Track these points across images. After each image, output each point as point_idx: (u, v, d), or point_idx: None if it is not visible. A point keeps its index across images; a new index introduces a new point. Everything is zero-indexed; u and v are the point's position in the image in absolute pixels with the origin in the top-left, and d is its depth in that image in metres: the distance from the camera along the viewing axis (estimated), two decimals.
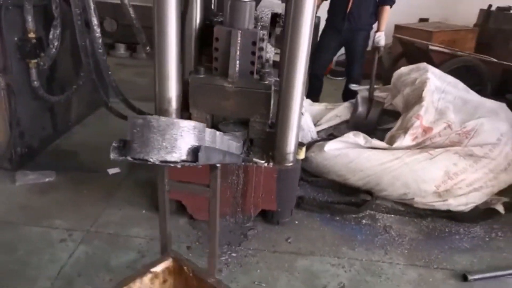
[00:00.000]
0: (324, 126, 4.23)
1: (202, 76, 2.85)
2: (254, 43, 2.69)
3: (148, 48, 3.44)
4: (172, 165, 1.16)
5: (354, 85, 4.60)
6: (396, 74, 4.27)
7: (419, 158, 3.30)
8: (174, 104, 2.70)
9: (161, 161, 1.13)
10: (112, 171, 3.57)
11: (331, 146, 3.42)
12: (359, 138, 3.44)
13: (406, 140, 3.41)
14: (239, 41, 2.67)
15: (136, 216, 3.03)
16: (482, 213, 3.31)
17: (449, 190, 3.26)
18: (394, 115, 4.21)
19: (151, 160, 1.11)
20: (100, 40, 3.06)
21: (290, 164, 2.87)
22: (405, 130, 3.47)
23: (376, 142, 3.40)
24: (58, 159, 3.74)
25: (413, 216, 3.31)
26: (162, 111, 2.70)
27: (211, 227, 1.98)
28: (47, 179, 3.36)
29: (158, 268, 1.74)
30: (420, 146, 3.47)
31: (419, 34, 6.17)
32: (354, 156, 3.38)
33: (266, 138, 2.98)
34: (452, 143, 3.52)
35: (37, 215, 2.95)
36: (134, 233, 2.86)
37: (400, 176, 3.28)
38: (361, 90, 4.34)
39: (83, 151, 3.90)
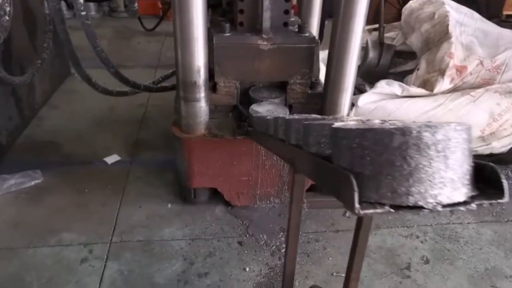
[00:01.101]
0: None
1: (228, 34, 2.26)
2: None
3: (136, 4, 2.73)
4: (462, 208, 0.65)
5: None
6: (407, 10, 3.85)
7: (462, 102, 3.00)
8: (203, 74, 2.12)
9: (447, 205, 0.63)
10: (110, 159, 2.95)
11: (365, 100, 3.01)
12: (394, 86, 3.06)
13: (445, 83, 3.07)
14: None
15: (162, 213, 2.50)
16: None
17: (494, 133, 3.02)
18: (407, 55, 3.86)
19: (429, 206, 0.61)
20: (82, 0, 2.32)
21: None
22: (440, 72, 3.13)
23: (414, 90, 3.04)
24: (36, 154, 3.03)
25: None
26: (189, 85, 2.12)
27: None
28: (33, 182, 2.69)
29: None
30: (456, 89, 3.16)
31: None
32: (392, 108, 3.01)
33: (307, 102, 2.51)
34: (484, 81, 3.24)
35: (38, 232, 2.33)
36: (169, 235, 2.35)
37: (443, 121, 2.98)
38: (371, 32, 3.90)
39: (63, 140, 3.19)
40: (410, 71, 3.72)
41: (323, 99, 2.42)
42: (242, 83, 2.45)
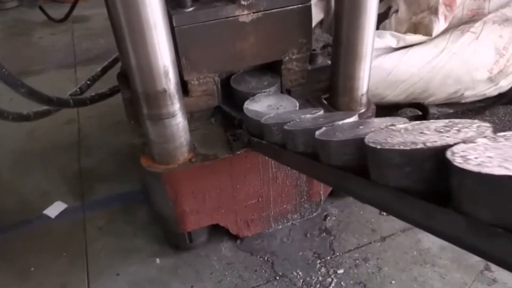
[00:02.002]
0: None
1: (191, 9, 1.53)
2: None
3: None
4: None
5: None
6: None
7: (465, 42, 2.55)
8: (173, 76, 1.40)
9: None
10: (53, 211, 2.14)
11: None
12: (387, 38, 2.53)
13: (441, 23, 2.59)
14: None
15: (152, 275, 1.81)
16: None
17: (502, 71, 2.63)
18: None
19: None
20: None
21: (363, 109, 1.88)
22: (432, 11, 2.62)
23: (410, 38, 2.53)
24: None
25: (470, 114, 2.67)
26: (155, 96, 1.41)
27: None
28: None
29: None
30: (449, 28, 2.70)
31: None
32: (391, 66, 2.49)
33: (308, 81, 1.89)
34: (473, 11, 2.81)
35: None
36: None
37: (451, 72, 2.53)
38: None
39: None
40: (384, 15, 3.21)
41: (333, 74, 1.81)
42: (220, 74, 1.76)
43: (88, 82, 2.52)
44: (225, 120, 1.77)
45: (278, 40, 1.72)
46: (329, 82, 1.92)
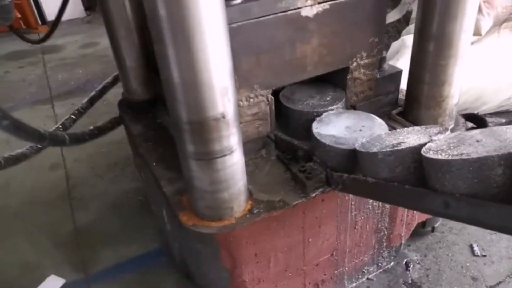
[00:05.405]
0: None
1: (241, 1, 1.10)
2: None
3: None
4: None
5: None
6: None
7: None
8: (232, 97, 0.95)
9: None
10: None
11: None
12: None
13: (487, 20, 2.29)
14: None
15: None
16: None
17: None
18: None
19: None
20: None
21: (453, 124, 1.47)
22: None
23: None
24: None
25: None
26: (209, 126, 0.94)
27: None
28: None
29: None
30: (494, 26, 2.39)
31: None
32: None
33: (376, 93, 1.48)
34: (509, 9, 2.52)
35: None
36: None
37: (505, 74, 2.20)
38: None
39: None
40: (405, 21, 2.89)
41: (413, 81, 1.40)
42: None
43: (73, 116, 2.04)
44: (282, 152, 1.32)
45: (346, 41, 1.31)
46: (399, 95, 1.52)
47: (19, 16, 4.39)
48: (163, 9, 0.82)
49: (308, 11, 1.20)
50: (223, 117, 0.96)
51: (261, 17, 1.14)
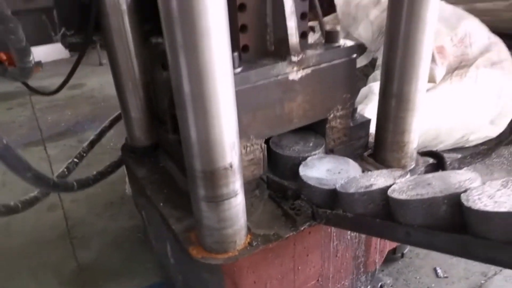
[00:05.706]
0: None
1: (239, 70, 1.36)
2: None
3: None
4: None
5: None
6: (340, 0, 3.36)
7: (466, 87, 2.60)
8: (237, 149, 1.18)
9: None
10: None
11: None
12: None
13: (440, 68, 2.63)
14: None
15: None
16: None
17: (501, 113, 2.69)
18: None
19: None
20: None
21: (413, 165, 1.74)
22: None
23: None
24: None
25: (479, 158, 2.66)
26: (219, 174, 1.17)
27: None
28: None
29: None
30: (446, 74, 2.75)
31: None
32: None
33: (350, 139, 1.74)
34: (458, 58, 2.90)
35: None
36: None
37: (459, 116, 2.54)
38: None
39: None
40: (371, 66, 3.24)
41: (379, 128, 1.67)
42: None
43: (76, 159, 2.22)
44: (273, 191, 1.54)
45: (325, 97, 1.57)
46: (369, 138, 1.79)
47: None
48: (187, 85, 1.04)
49: (294, 75, 1.46)
50: (231, 166, 1.18)
51: (256, 82, 1.39)
